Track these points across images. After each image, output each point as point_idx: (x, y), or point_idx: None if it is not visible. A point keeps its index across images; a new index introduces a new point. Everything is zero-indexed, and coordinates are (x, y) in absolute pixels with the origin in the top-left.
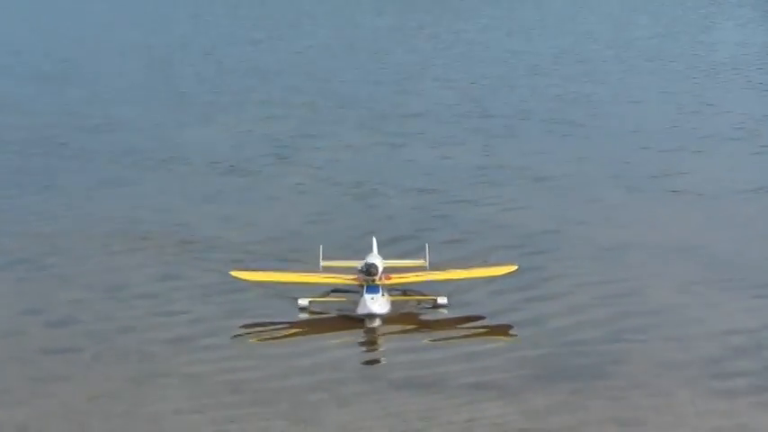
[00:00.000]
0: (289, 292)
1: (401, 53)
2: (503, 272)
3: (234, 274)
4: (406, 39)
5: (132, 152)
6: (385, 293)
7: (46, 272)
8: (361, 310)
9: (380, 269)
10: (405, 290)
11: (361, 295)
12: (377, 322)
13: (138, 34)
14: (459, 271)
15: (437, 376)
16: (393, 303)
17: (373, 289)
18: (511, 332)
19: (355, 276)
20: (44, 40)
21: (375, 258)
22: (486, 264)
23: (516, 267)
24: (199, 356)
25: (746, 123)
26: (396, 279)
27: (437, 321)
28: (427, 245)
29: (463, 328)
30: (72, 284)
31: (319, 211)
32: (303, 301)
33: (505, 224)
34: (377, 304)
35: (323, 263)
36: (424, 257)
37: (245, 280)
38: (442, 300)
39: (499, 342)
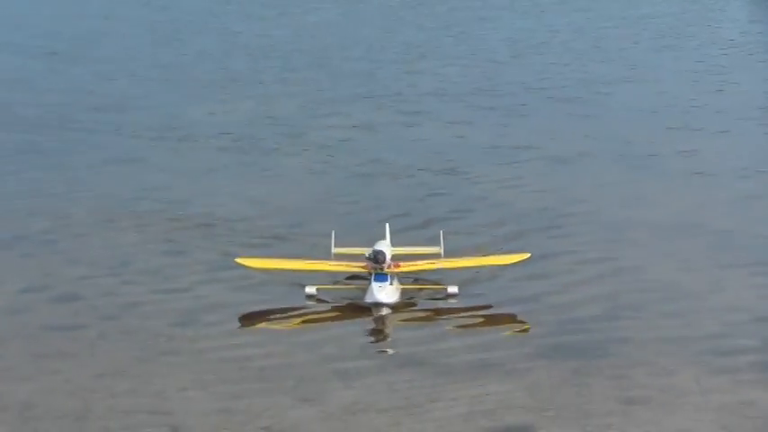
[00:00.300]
0: (297, 274)
1: (412, 31)
2: (515, 260)
3: (239, 261)
4: (418, 17)
5: (139, 130)
6: (394, 282)
7: (50, 249)
8: (368, 299)
9: (389, 257)
10: (416, 278)
11: (370, 283)
12: (384, 311)
13: (147, 11)
14: (470, 259)
15: (442, 354)
16: (403, 292)
17: (382, 277)
18: (517, 317)
19: (364, 264)
20: (53, 18)
21: (384, 246)
22: (498, 251)
23: (529, 255)
24: (204, 333)
25: (759, 102)
26: (405, 267)
27: (444, 302)
28: (441, 232)
29: (468, 308)
30: (77, 262)
31: (329, 191)
32: (310, 289)
33: (509, 202)
34: (384, 293)
35: (335, 249)
36: (439, 245)
37: (250, 267)
38: (452, 289)
39: (504, 322)
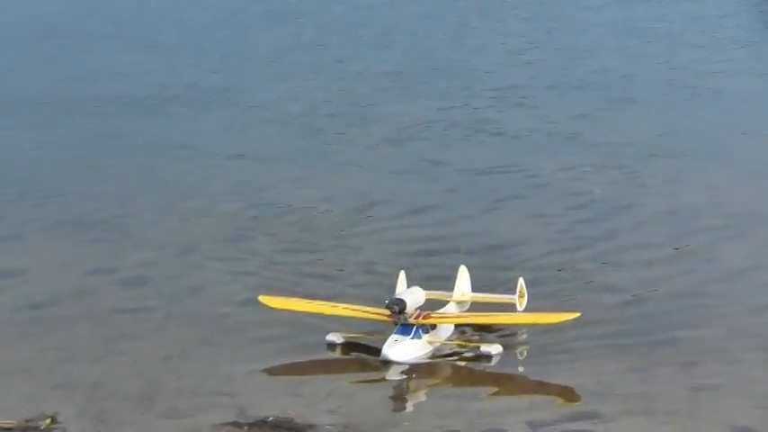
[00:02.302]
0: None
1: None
2: (562, 319)
3: (262, 299)
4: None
5: (207, 113)
6: (423, 336)
7: (118, 233)
8: (382, 354)
9: (413, 304)
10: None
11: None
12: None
13: None
14: (513, 315)
15: (508, 341)
16: (434, 347)
17: (405, 330)
18: (585, 305)
19: (389, 312)
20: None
21: (410, 292)
22: (545, 310)
23: (579, 314)
24: (270, 318)
25: None
26: (435, 318)
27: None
28: (521, 279)
29: (533, 294)
30: (144, 245)
31: (394, 178)
32: (333, 337)
33: (570, 189)
34: (396, 349)
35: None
36: (517, 291)
37: (272, 307)
38: (492, 349)
39: (571, 309)
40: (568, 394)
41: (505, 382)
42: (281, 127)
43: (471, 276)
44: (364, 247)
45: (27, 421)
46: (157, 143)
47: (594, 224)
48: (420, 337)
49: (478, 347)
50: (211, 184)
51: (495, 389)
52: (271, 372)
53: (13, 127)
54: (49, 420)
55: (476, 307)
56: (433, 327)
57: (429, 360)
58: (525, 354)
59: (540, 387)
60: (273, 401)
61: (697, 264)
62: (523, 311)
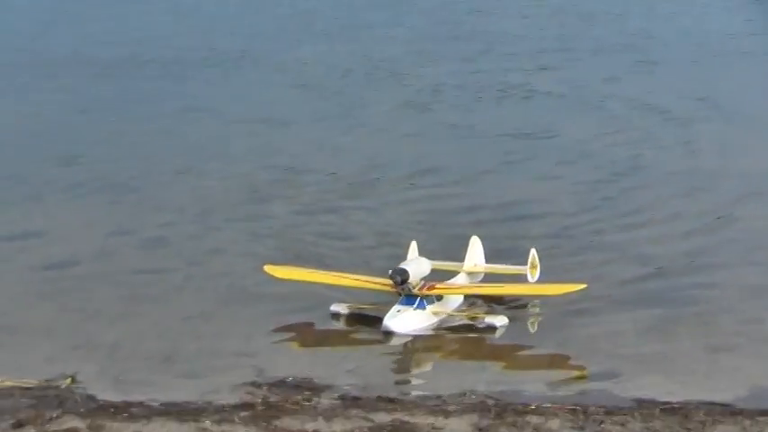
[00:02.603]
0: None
1: None
2: (569, 290)
3: (267, 269)
4: None
5: (228, 76)
6: (428, 306)
7: (137, 195)
8: (383, 325)
9: (417, 275)
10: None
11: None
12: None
13: None
14: (518, 286)
15: (526, 301)
16: (439, 319)
17: (408, 300)
18: (603, 265)
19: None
20: None
21: (414, 262)
22: (551, 281)
23: (585, 286)
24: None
25: None
26: (440, 289)
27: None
28: (533, 250)
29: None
30: (163, 208)
31: (417, 142)
32: (337, 307)
33: (592, 152)
34: (397, 320)
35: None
36: (528, 262)
37: (276, 278)
38: (497, 321)
39: (586, 266)
40: (586, 356)
41: (523, 344)
42: (301, 90)
43: (491, 245)
44: (382, 210)
45: (47, 381)
46: (178, 105)
47: (613, 185)
48: (424, 308)
49: (483, 319)
50: (230, 147)
51: (513, 350)
52: (289, 333)
53: (36, 89)
54: (69, 380)
55: (488, 278)
56: (440, 298)
57: (433, 331)
58: (543, 316)
59: (558, 348)
60: (292, 362)
61: (716, 223)
62: (535, 282)
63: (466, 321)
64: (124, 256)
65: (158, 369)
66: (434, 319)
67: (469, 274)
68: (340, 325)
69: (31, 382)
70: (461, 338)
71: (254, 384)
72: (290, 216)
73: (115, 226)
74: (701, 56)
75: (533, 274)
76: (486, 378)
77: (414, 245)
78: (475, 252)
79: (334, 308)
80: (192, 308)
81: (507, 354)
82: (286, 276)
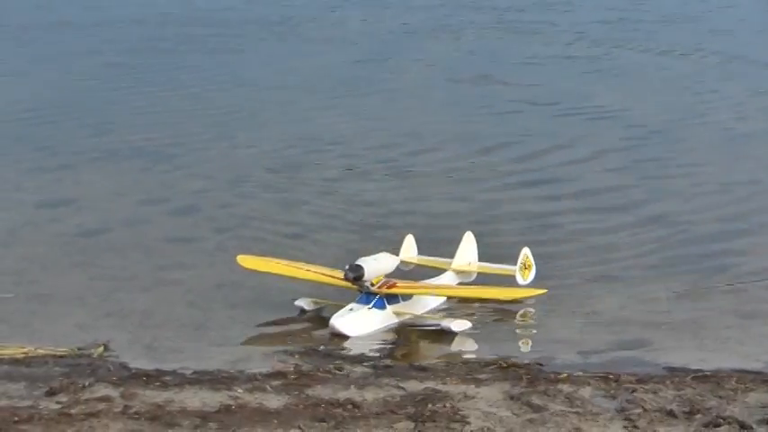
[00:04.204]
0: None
1: None
2: (529, 294)
3: (240, 260)
4: None
5: (260, 46)
6: (386, 306)
7: (169, 163)
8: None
9: (372, 272)
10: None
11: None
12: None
13: None
14: (478, 288)
15: (557, 269)
16: (401, 319)
17: (365, 298)
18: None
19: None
20: None
21: (370, 258)
22: (511, 285)
23: (546, 291)
24: (320, 249)
25: None
26: (401, 288)
27: None
28: (526, 249)
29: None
30: (194, 175)
31: (435, 116)
32: (302, 302)
33: (621, 116)
34: (345, 320)
35: (402, 256)
36: (519, 262)
37: (247, 268)
38: (454, 325)
39: (618, 234)
40: (617, 324)
41: (555, 311)
42: (333, 58)
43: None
44: (412, 177)
45: (80, 349)
46: (209, 74)
47: (645, 149)
48: (383, 308)
49: (440, 322)
50: (261, 115)
51: (545, 319)
52: (324, 299)
53: (67, 56)
54: (101, 348)
55: (479, 278)
56: (408, 297)
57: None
58: (572, 284)
59: (590, 316)
60: (324, 331)
61: (747, 190)
62: (494, 287)
63: (428, 323)
64: (156, 224)
65: (190, 337)
66: (395, 320)
67: (459, 272)
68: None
69: (63, 350)
70: (492, 307)
71: (286, 353)
72: (320, 183)
73: (146, 194)
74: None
75: (525, 276)
76: (518, 346)
77: (409, 239)
78: (466, 249)
79: (299, 303)
80: (223, 276)
81: (538, 322)
82: (256, 267)
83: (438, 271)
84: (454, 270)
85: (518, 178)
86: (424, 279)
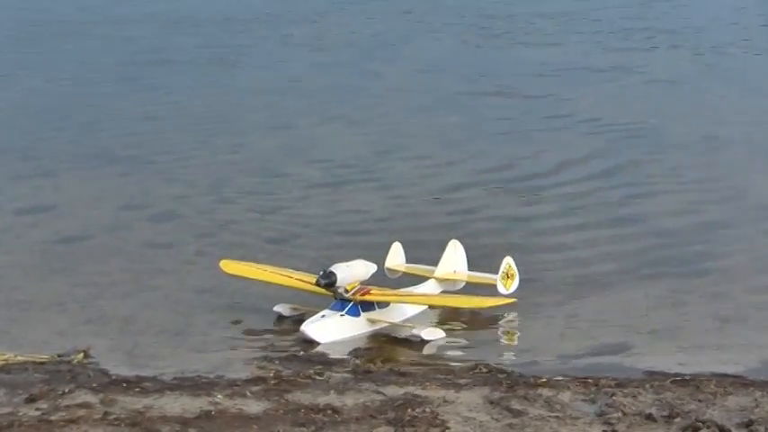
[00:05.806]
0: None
1: None
2: (496, 303)
3: (222, 265)
4: None
5: (238, 52)
6: (360, 313)
7: (149, 168)
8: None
9: (345, 279)
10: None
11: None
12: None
13: None
14: (448, 297)
15: (537, 274)
16: (376, 327)
17: (338, 305)
18: (613, 236)
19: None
20: None
21: (344, 265)
22: (480, 294)
23: (514, 300)
24: (300, 253)
25: None
26: (375, 295)
27: None
28: (508, 258)
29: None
30: (174, 181)
31: (426, 116)
32: (280, 308)
33: (599, 117)
34: (317, 326)
35: (389, 264)
36: (500, 271)
37: (229, 273)
38: (425, 333)
39: (598, 239)
40: (597, 328)
41: (535, 316)
42: (315, 65)
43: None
44: (395, 185)
45: (60, 356)
46: (189, 81)
47: (625, 152)
48: (357, 315)
49: (411, 330)
50: (241, 120)
51: (525, 323)
52: (302, 307)
53: (46, 62)
54: (81, 355)
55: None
56: (385, 305)
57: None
58: (553, 288)
59: (569, 320)
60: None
61: (727, 193)
62: (465, 295)
63: (402, 331)
64: (136, 230)
65: (170, 343)
66: (368, 328)
67: (442, 281)
68: None
69: (43, 356)
70: (472, 312)
71: (266, 359)
72: (301, 189)
73: (127, 200)
74: None
75: (507, 286)
76: (498, 351)
77: (396, 246)
78: (454, 257)
79: (277, 308)
80: (204, 282)
81: (518, 327)
82: (237, 273)
83: (423, 279)
84: (437, 278)
85: (499, 185)
86: (410, 286)
